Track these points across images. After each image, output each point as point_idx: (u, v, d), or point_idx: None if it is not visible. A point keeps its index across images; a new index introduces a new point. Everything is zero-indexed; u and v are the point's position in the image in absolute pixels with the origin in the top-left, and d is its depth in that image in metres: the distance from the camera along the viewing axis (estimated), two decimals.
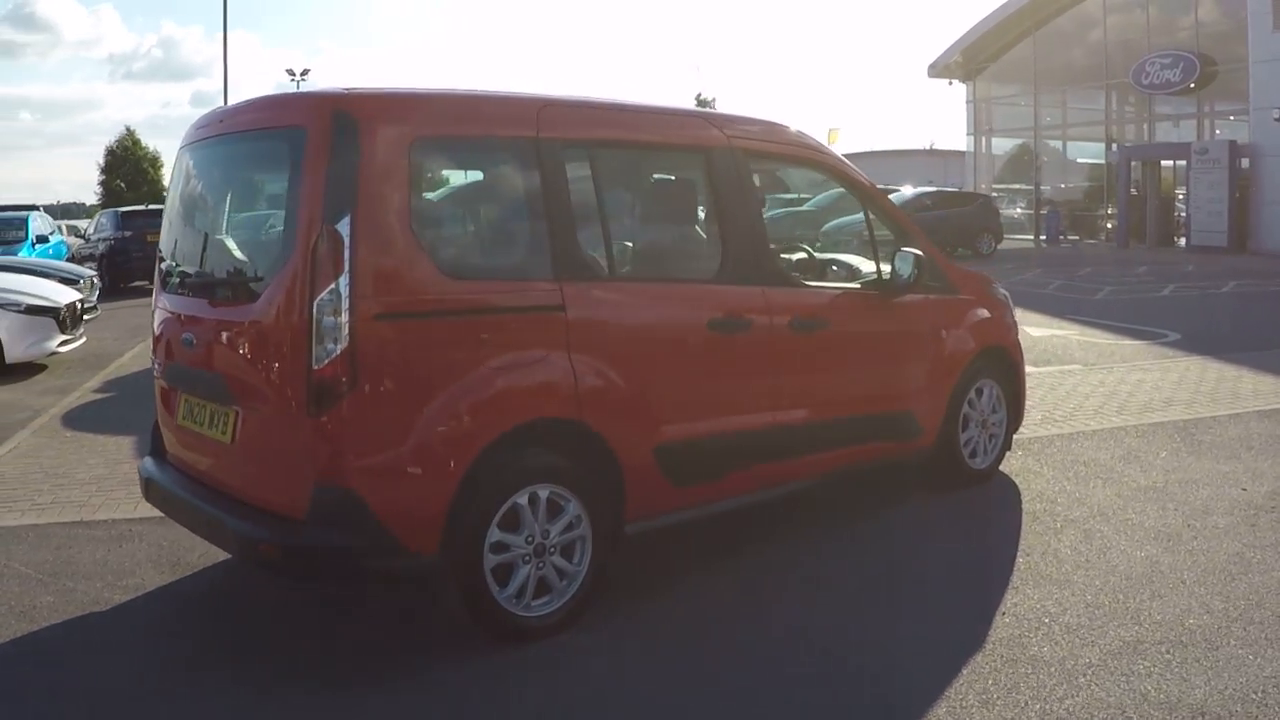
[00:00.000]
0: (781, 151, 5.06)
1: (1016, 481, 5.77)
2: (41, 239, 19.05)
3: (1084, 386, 8.38)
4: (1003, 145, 35.73)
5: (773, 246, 4.76)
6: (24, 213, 20.16)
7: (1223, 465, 6.00)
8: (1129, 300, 15.10)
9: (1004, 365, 5.85)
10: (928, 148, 57.37)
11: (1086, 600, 4.07)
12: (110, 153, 43.88)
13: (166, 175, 32.47)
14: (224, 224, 4.09)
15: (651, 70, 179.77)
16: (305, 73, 46.47)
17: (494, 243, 4.06)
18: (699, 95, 55.93)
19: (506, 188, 4.04)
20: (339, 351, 3.39)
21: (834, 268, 5.41)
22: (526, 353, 3.77)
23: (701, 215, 4.57)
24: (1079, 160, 33.79)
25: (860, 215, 5.30)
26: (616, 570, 4.18)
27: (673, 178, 4.74)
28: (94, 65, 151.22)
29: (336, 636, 3.98)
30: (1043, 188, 33.06)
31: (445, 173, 4.08)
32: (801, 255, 5.45)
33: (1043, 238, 30.98)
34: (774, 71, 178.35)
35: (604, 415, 3.93)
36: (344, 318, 3.38)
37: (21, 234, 18.61)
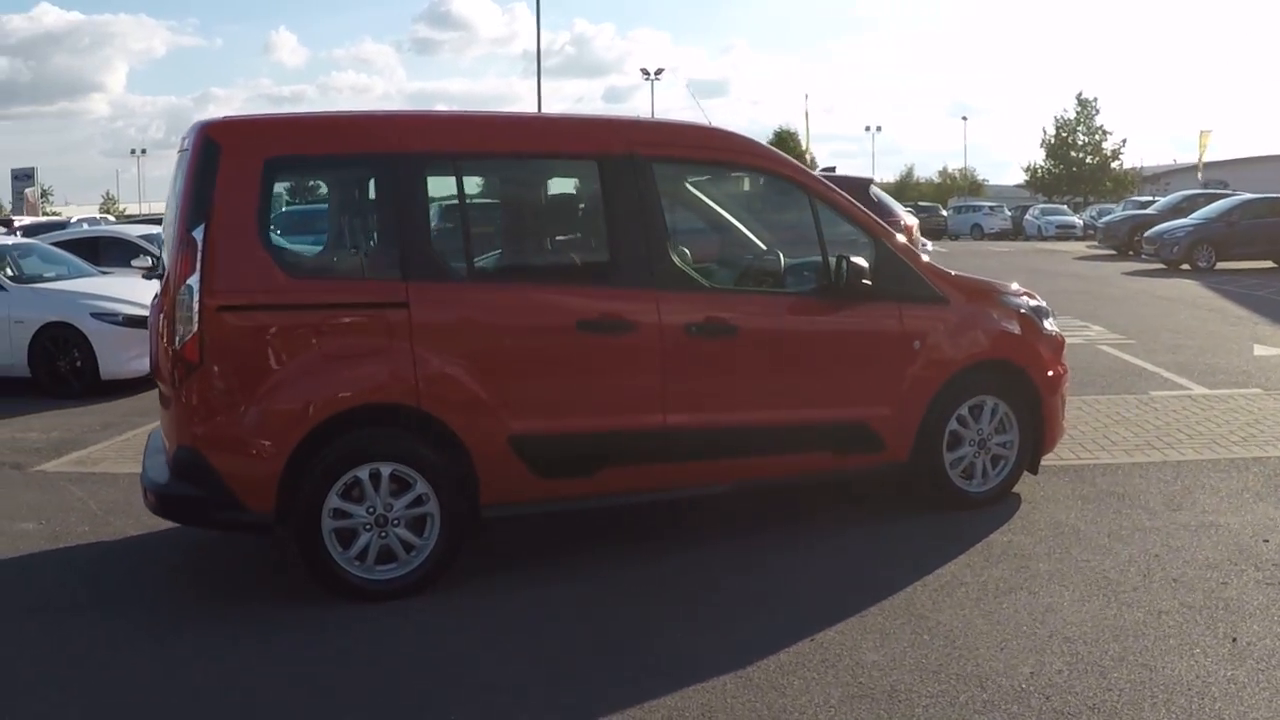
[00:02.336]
0: (708, 156, 4.96)
1: (1022, 508, 5.23)
2: None
3: (1233, 413, 7.20)
4: None
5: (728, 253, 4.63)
6: None
7: (1276, 512, 5.05)
8: None
9: (1015, 382, 5.28)
10: None
11: (920, 640, 3.74)
12: None
13: None
14: (168, 225, 4.87)
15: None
16: (659, 72, 49.95)
17: (341, 247, 4.52)
18: (1079, 94, 51.55)
19: (359, 198, 4.51)
20: (190, 336, 4.05)
21: (805, 273, 5.22)
22: (364, 343, 4.20)
23: (587, 220, 4.67)
24: None
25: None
26: (483, 552, 4.50)
27: (553, 185, 4.88)
28: (509, 61, 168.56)
29: (234, 585, 4.62)
30: None
31: (313, 185, 4.59)
32: (765, 260, 5.30)
33: None
34: (1148, 73, 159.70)
35: (446, 404, 4.23)
36: (194, 308, 4.03)
37: None
